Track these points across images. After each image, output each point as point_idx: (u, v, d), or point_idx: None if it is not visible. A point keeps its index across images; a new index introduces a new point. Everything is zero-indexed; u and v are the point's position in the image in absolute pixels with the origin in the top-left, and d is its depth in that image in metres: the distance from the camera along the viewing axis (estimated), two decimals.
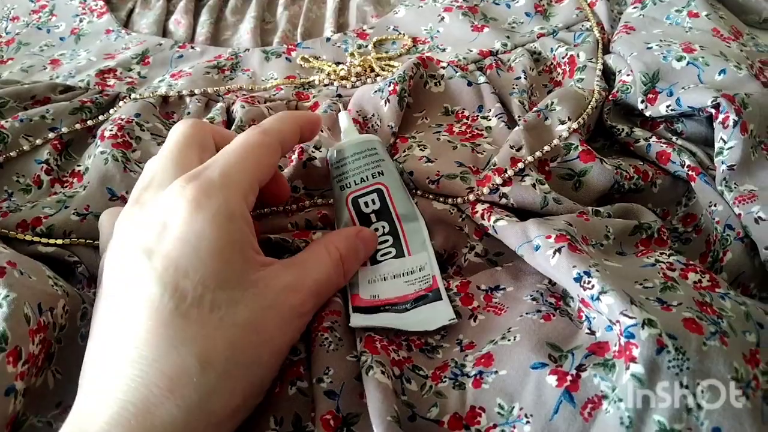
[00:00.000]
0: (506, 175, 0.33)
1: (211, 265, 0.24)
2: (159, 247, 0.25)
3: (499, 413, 0.25)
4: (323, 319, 0.29)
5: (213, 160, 0.28)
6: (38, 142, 0.40)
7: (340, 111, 0.36)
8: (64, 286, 0.30)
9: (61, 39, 0.52)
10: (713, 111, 0.34)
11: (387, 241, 0.33)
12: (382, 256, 0.33)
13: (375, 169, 0.33)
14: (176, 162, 0.28)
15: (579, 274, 0.26)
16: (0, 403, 0.24)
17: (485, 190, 0.33)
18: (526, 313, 0.28)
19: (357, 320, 0.29)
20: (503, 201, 0.33)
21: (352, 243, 0.31)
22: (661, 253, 0.30)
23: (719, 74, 0.36)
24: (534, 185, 0.33)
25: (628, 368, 0.23)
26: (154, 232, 0.25)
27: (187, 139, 0.29)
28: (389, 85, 0.39)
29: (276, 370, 0.27)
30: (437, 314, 0.30)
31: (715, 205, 0.33)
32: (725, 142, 0.33)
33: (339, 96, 0.44)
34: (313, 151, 0.36)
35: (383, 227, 0.33)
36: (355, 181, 0.33)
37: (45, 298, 0.27)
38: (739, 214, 0.32)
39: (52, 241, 0.33)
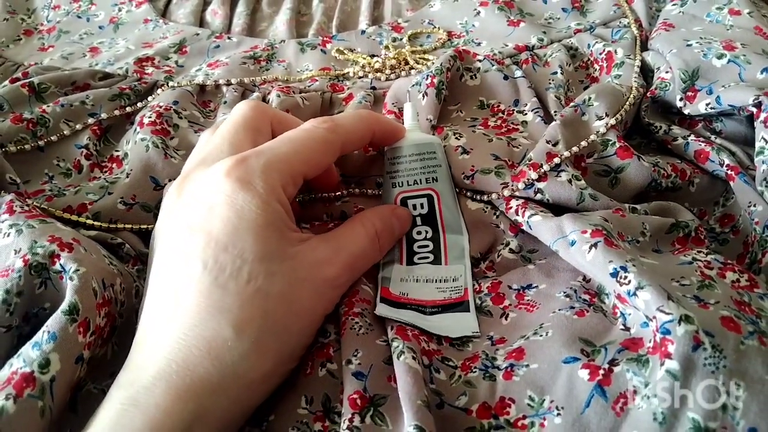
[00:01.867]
0: (542, 171, 0.33)
1: (250, 240, 0.26)
2: (202, 224, 0.26)
3: (529, 405, 0.25)
4: (353, 305, 0.29)
5: (265, 147, 0.29)
6: (78, 127, 0.41)
7: (406, 102, 0.35)
8: (117, 265, 0.31)
9: (101, 27, 0.53)
10: (754, 110, 0.33)
11: (427, 246, 0.33)
12: (419, 259, 0.33)
13: (430, 174, 0.33)
14: (231, 143, 0.30)
15: (615, 269, 0.26)
16: (69, 369, 0.25)
17: (520, 185, 0.33)
18: (559, 310, 0.28)
19: (382, 309, 0.30)
20: (538, 197, 0.33)
21: (388, 219, 0.32)
22: (699, 252, 0.29)
23: (761, 72, 0.35)
24: (570, 181, 0.32)
25: (662, 364, 0.23)
26: (198, 210, 0.27)
27: (246, 122, 0.31)
28: (426, 78, 0.39)
29: (308, 339, 0.28)
30: (462, 324, 0.30)
31: (754, 206, 0.32)
32: (767, 142, 0.32)
33: (373, 88, 0.44)
34: None
35: (426, 231, 0.33)
36: (408, 182, 0.33)
37: (105, 275, 0.29)
38: None
39: (97, 224, 0.34)
